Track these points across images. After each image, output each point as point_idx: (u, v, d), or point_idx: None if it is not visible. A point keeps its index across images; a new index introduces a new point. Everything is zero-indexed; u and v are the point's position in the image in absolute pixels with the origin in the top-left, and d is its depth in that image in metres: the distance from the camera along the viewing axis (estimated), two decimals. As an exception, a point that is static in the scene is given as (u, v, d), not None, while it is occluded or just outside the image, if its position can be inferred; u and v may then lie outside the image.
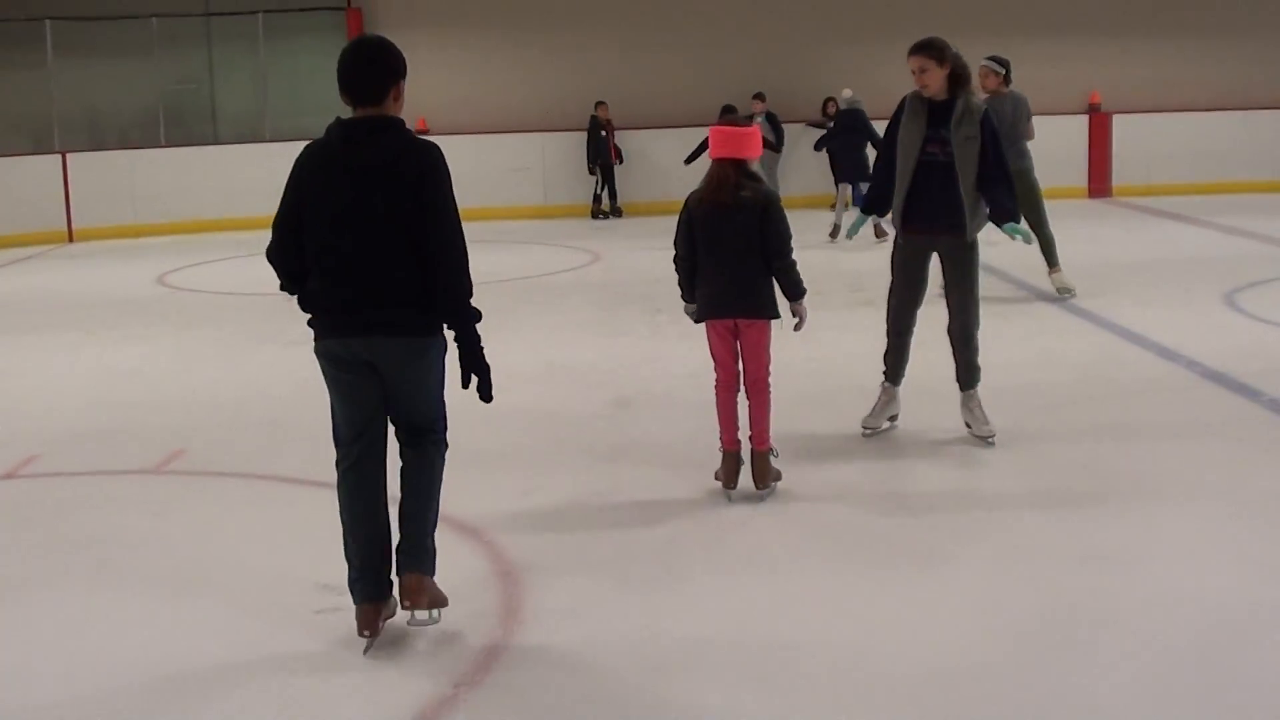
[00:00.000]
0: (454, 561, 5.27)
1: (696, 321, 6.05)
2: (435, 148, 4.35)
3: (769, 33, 19.38)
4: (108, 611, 4.86)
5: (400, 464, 4.55)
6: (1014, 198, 6.67)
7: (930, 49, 6.51)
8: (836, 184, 16.18)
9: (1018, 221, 6.68)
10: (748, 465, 6.01)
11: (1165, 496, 5.85)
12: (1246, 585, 4.79)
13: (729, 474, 6.00)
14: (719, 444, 6.05)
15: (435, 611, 4.49)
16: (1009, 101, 10.59)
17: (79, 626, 4.74)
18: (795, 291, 5.93)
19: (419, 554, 4.46)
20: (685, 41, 19.66)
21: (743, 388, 6.02)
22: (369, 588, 4.44)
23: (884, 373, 7.00)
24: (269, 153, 19.15)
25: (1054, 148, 19.13)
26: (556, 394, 8.11)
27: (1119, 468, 6.27)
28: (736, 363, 5.99)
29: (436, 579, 4.52)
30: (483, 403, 4.39)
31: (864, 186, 15.82)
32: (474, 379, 4.34)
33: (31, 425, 7.74)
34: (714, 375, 6.06)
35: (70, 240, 18.17)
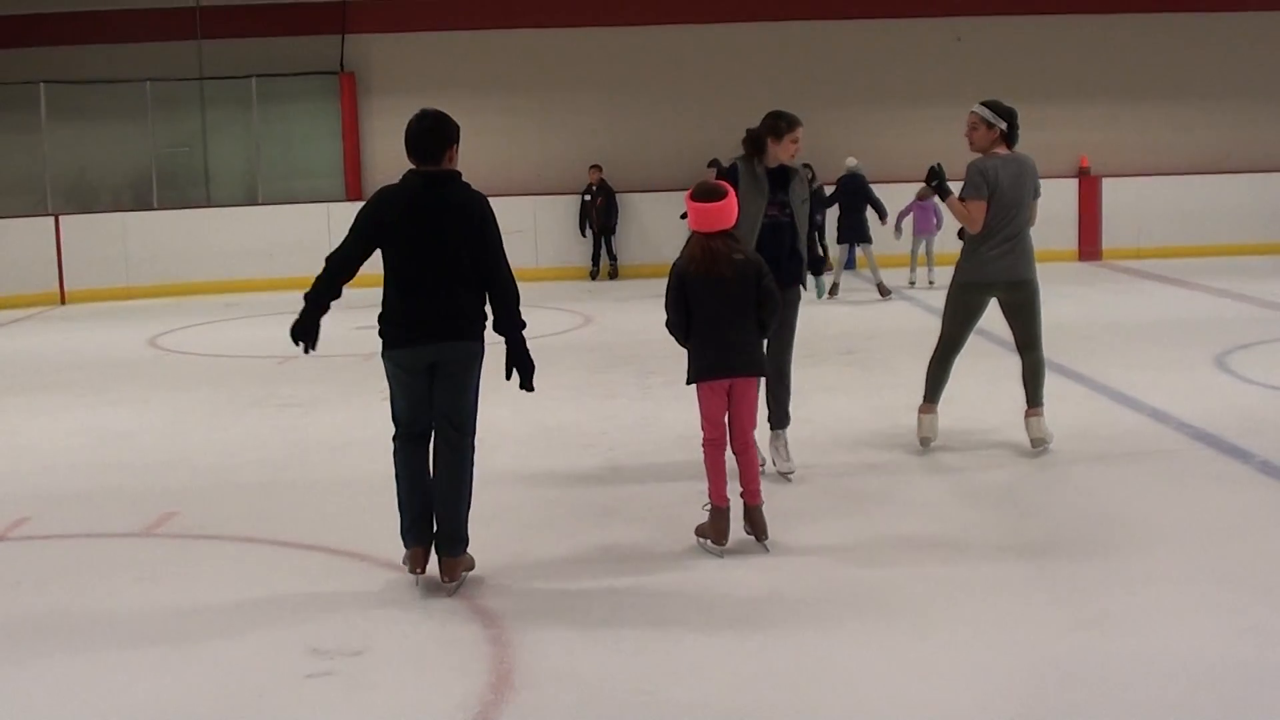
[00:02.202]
0: (443, 624, 5.28)
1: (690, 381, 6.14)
2: (486, 198, 5.60)
3: (761, 98, 19.55)
4: (98, 676, 4.84)
5: (434, 458, 5.64)
6: (823, 249, 7.71)
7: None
8: (838, 244, 16.45)
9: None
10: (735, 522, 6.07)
11: (1156, 558, 5.87)
12: (1237, 648, 4.79)
13: (721, 531, 6.05)
14: (708, 502, 6.10)
15: (465, 574, 5.72)
16: (1012, 165, 7.60)
17: (68, 690, 4.72)
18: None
19: (454, 540, 5.64)
20: (675, 105, 19.86)
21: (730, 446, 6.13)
22: (419, 535, 5.66)
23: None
24: (261, 216, 19.35)
25: (1044, 211, 19.32)
26: (547, 455, 8.12)
27: (1110, 529, 6.29)
28: (725, 421, 6.10)
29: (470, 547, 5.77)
30: (525, 391, 5.77)
31: (859, 248, 16.18)
32: (515, 373, 5.72)
33: (22, 487, 7.73)
34: (702, 435, 6.14)
35: (62, 302, 18.21)
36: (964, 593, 5.47)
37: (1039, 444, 7.62)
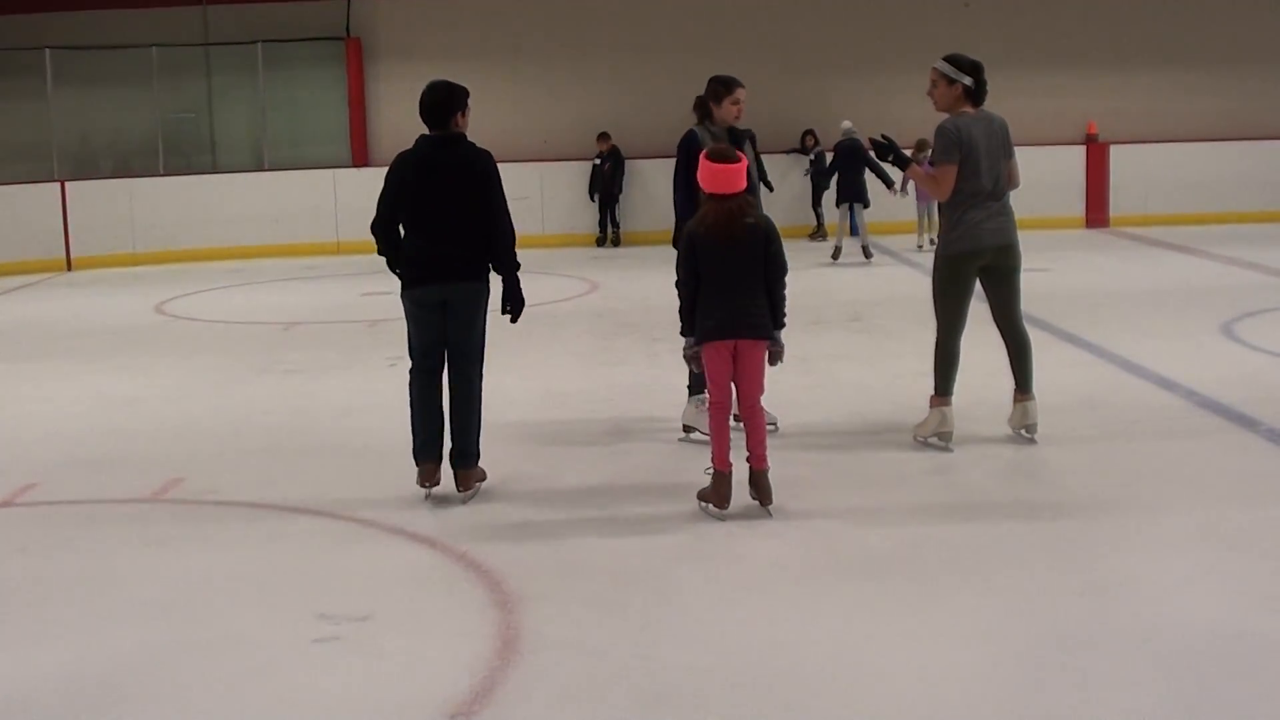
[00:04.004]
0: (449, 589, 5.29)
1: (692, 352, 6.16)
2: (491, 154, 6.40)
3: (770, 63, 19.45)
4: (103, 642, 4.85)
5: (449, 387, 6.45)
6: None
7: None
8: (837, 205, 16.45)
9: None
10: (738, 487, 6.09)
11: (1161, 525, 5.86)
12: (1241, 616, 4.78)
13: (723, 495, 6.07)
14: (710, 466, 6.12)
15: (479, 485, 6.54)
16: (981, 123, 7.09)
17: (76, 656, 4.73)
18: (782, 319, 6.16)
19: (468, 456, 6.48)
20: (683, 70, 19.70)
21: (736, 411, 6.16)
22: (430, 452, 6.46)
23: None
24: (267, 181, 19.32)
25: (1051, 178, 19.30)
26: (554, 422, 8.11)
27: (1115, 497, 6.28)
28: (731, 385, 6.12)
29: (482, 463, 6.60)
30: (511, 323, 6.50)
31: (859, 209, 16.19)
32: (509, 309, 6.49)
33: (28, 453, 7.74)
34: (707, 399, 6.18)
35: (69, 268, 18.20)
36: (971, 560, 5.47)
37: (1034, 430, 7.23)
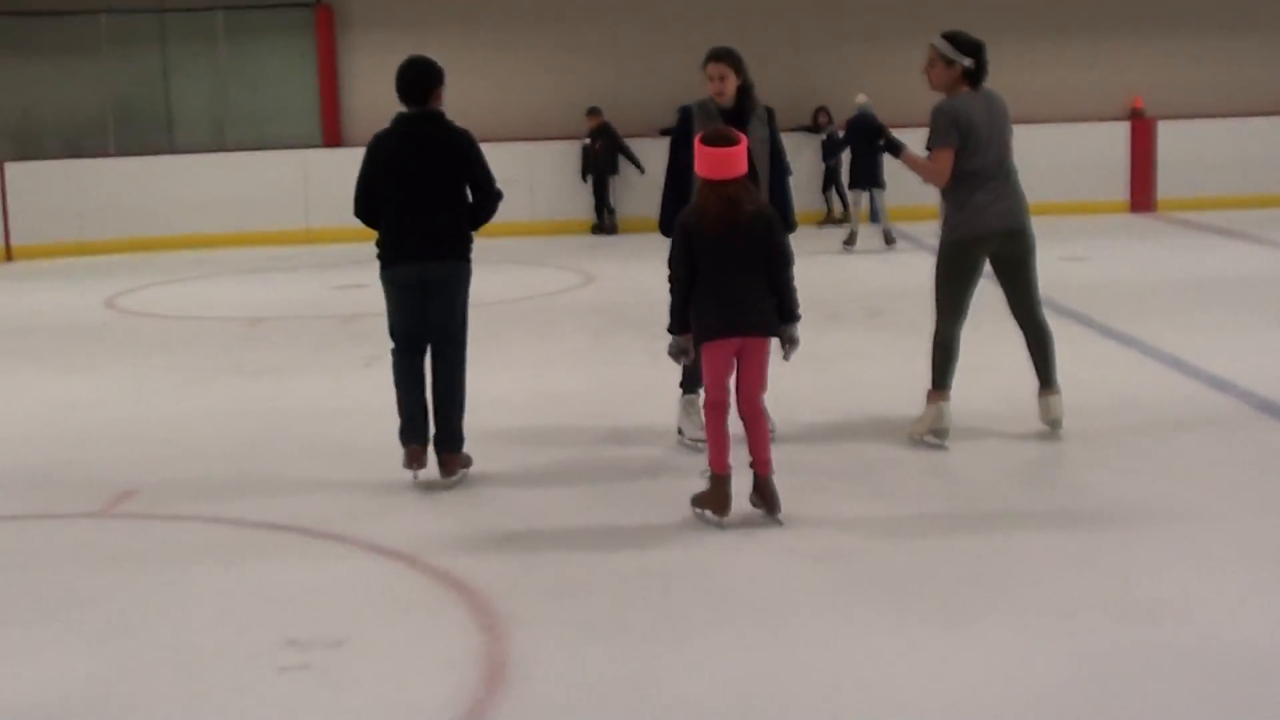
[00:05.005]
0: (431, 612, 5.30)
1: (683, 351, 6.23)
2: (469, 132, 6.89)
3: (775, 33, 19.46)
4: (48, 673, 4.86)
5: (431, 370, 6.92)
6: (792, 210, 7.36)
7: (730, 58, 7.22)
8: (849, 189, 16.48)
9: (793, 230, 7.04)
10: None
11: (1213, 542, 5.86)
12: (1302, 639, 4.80)
13: (721, 501, 6.11)
14: (706, 469, 6.17)
15: (464, 470, 6.98)
16: (980, 100, 7.27)
17: (13, 690, 4.74)
18: (794, 311, 6.19)
19: (452, 439, 6.95)
20: (682, 42, 19.72)
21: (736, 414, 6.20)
22: (416, 434, 6.93)
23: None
24: (229, 163, 19.32)
25: (1092, 157, 19.31)
26: (546, 428, 8.13)
27: (1162, 509, 6.29)
28: (730, 383, 6.18)
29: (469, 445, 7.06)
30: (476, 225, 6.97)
31: (877, 193, 16.24)
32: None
33: (-33, 464, 7.76)
34: (704, 398, 6.23)
35: (9, 259, 18.23)
36: (1000, 578, 5.47)
37: (1058, 425, 7.39)
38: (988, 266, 7.36)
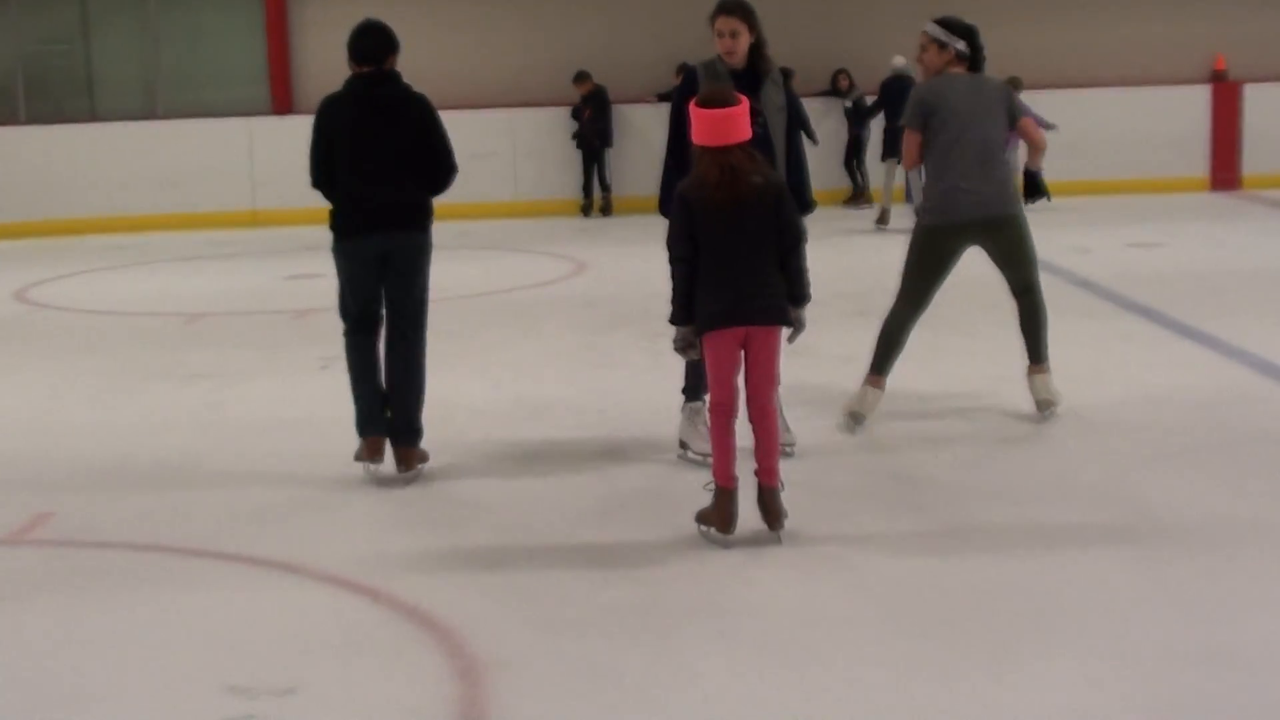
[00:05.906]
0: (397, 653, 5.31)
1: (689, 345, 6.26)
2: (426, 96, 7.19)
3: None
4: (-45, 720, 4.88)
5: (386, 353, 7.24)
6: (810, 187, 7.51)
7: (743, 10, 7.26)
8: (882, 160, 16.53)
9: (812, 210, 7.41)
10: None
11: (1307, 574, 5.88)
12: None
13: (726, 517, 6.16)
14: (710, 482, 6.21)
15: (421, 465, 7.27)
16: (963, 80, 7.99)
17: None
18: (805, 292, 6.28)
19: (409, 432, 7.24)
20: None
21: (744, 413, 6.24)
22: (373, 426, 7.22)
23: None
24: (162, 133, 19.29)
25: (1168, 127, 19.30)
26: (530, 441, 8.14)
27: (1247, 538, 6.28)
28: (737, 382, 6.23)
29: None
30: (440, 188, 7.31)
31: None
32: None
33: None
34: (708, 399, 6.30)
35: (-94, 245, 18.23)
36: (1056, 613, 5.47)
37: (1046, 406, 7.88)
38: (984, 258, 7.94)
